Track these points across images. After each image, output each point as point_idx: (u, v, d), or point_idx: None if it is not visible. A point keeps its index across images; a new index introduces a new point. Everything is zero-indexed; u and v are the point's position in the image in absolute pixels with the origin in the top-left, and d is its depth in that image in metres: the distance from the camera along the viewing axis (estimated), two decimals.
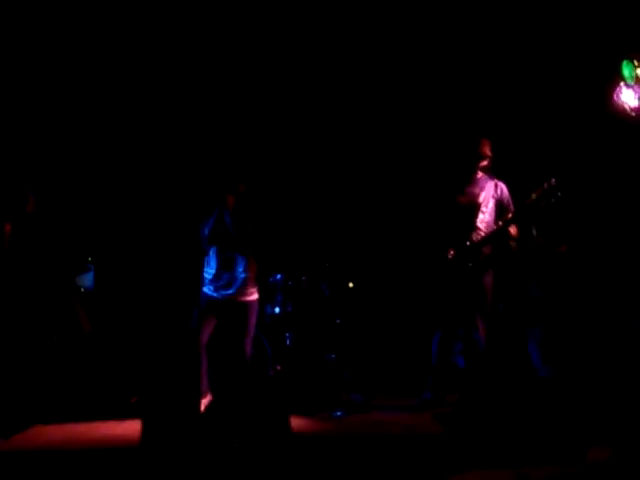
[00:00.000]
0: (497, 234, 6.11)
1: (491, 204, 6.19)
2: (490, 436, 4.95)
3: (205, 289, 6.31)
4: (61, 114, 8.11)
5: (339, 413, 6.25)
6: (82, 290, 6.96)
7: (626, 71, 6.18)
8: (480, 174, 6.27)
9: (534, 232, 6.89)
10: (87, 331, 6.57)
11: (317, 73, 8.22)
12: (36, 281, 6.41)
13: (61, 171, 7.91)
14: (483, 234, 6.12)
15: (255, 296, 6.39)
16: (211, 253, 6.33)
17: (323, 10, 7.73)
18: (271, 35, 7.91)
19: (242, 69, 8.15)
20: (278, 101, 8.31)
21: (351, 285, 7.78)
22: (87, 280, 7.41)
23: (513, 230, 6.09)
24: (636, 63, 6.15)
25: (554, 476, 4.41)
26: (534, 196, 5.90)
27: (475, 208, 6.17)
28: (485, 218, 6.17)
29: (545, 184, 5.89)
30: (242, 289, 6.28)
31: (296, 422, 5.18)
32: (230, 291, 6.27)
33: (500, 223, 6.07)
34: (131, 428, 5.39)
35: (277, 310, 7.23)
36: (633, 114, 6.20)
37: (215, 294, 6.28)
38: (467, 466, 4.56)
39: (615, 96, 6.23)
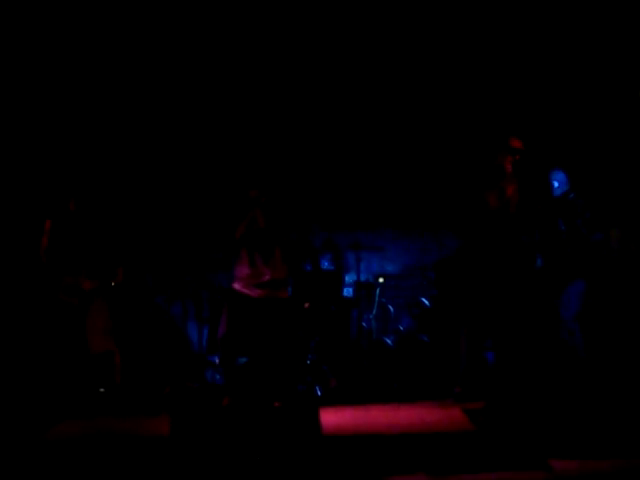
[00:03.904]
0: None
1: (517, 199, 6.16)
2: (521, 432, 4.93)
3: (236, 286, 6.33)
4: (108, 116, 8.22)
5: None
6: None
7: None
8: (510, 169, 6.23)
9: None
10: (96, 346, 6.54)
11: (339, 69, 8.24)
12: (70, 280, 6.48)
13: (107, 172, 7.99)
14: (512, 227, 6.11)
15: (285, 295, 6.42)
16: (244, 253, 6.36)
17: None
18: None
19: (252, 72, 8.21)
20: (295, 101, 8.33)
21: (381, 280, 7.76)
22: None
23: None
24: None
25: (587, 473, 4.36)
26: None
27: (505, 203, 6.14)
28: (513, 213, 6.13)
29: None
30: (274, 287, 6.32)
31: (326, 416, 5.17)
32: (262, 289, 6.30)
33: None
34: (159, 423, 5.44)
35: None
36: None
37: (247, 291, 6.31)
38: (497, 463, 4.53)
39: None
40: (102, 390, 6.42)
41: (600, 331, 6.71)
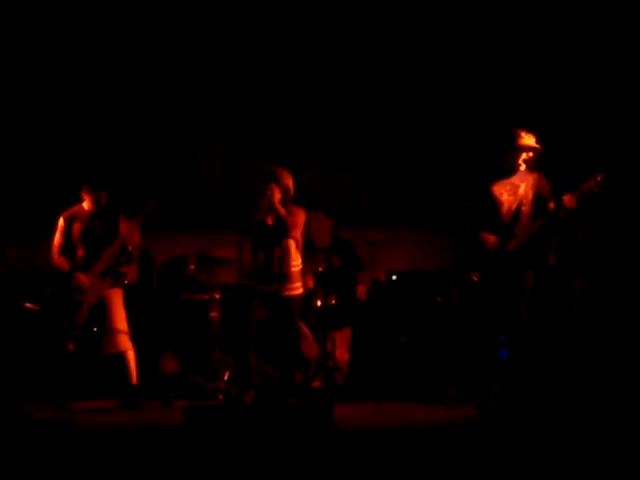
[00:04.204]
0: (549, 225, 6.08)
1: (530, 196, 6.13)
2: (532, 429, 4.93)
3: (247, 280, 6.34)
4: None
5: None
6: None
7: None
8: (523, 166, 6.21)
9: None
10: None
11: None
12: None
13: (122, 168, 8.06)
14: (525, 226, 6.09)
15: (300, 291, 6.42)
16: (256, 246, 6.35)
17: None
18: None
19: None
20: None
21: (394, 277, 7.76)
22: None
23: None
24: None
25: None
26: (584, 189, 5.87)
27: (517, 200, 6.12)
28: (525, 211, 6.12)
29: (592, 179, 5.86)
30: (286, 283, 6.32)
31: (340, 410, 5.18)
32: (275, 284, 6.31)
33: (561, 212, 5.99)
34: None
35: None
36: None
37: (259, 286, 6.31)
38: (510, 460, 4.54)
39: None
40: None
41: (600, 329, 6.72)
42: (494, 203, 6.15)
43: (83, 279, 6.44)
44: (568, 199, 5.90)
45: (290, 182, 6.30)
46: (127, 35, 8.09)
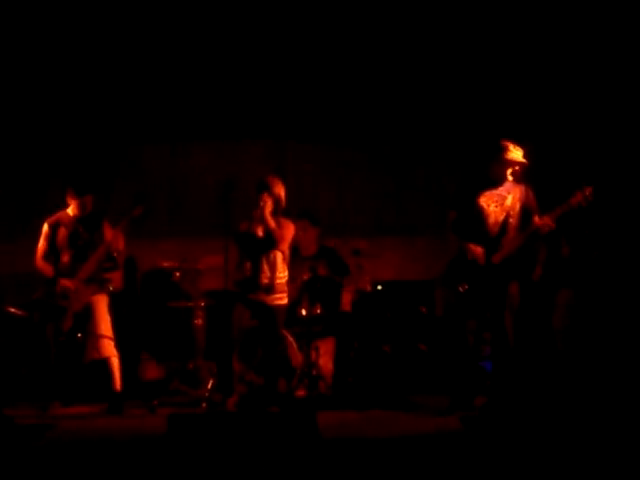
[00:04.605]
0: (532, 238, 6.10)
1: (517, 208, 6.14)
2: (516, 441, 4.95)
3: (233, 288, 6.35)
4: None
5: None
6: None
7: None
8: (510, 178, 6.22)
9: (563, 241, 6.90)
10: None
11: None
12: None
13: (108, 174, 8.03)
14: (512, 238, 6.10)
15: (284, 301, 6.43)
16: (243, 255, 6.38)
17: None
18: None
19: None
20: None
21: (379, 287, 7.77)
22: None
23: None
24: None
25: None
26: (572, 203, 5.90)
27: (503, 211, 6.14)
28: (512, 222, 6.13)
29: (580, 194, 5.89)
30: (272, 294, 6.34)
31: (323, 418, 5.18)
32: (260, 294, 6.31)
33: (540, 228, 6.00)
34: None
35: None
36: None
37: (244, 294, 6.32)
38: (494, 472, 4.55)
39: None
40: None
41: (589, 340, 6.75)
42: (480, 214, 6.15)
43: (68, 284, 6.41)
44: (543, 223, 5.97)
45: (282, 192, 6.37)
46: (113, 40, 8.04)
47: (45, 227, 6.58)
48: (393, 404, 6.60)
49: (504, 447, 4.87)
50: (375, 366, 7.22)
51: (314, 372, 6.93)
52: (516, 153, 6.15)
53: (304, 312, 7.16)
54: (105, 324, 6.49)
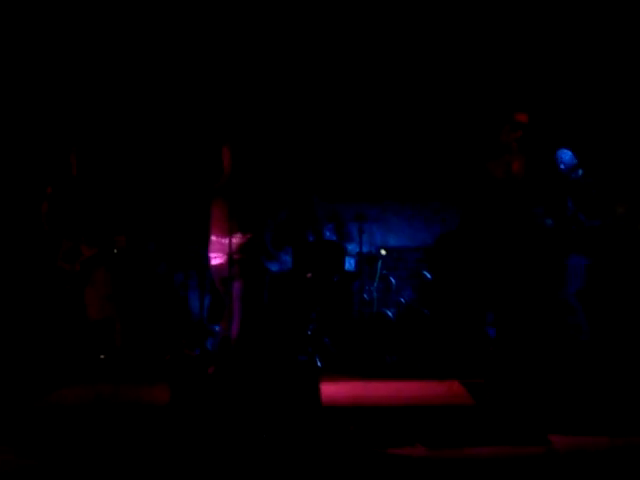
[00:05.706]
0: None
1: (525, 174, 6.09)
2: (520, 408, 4.94)
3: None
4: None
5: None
6: None
7: None
8: (515, 144, 6.17)
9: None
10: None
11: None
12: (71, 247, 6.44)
13: (109, 136, 7.93)
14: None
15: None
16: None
17: None
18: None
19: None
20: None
21: (384, 252, 7.74)
22: None
23: None
24: None
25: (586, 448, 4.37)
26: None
27: (511, 177, 6.09)
28: (518, 186, 6.08)
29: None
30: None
31: (326, 388, 5.17)
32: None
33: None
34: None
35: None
36: None
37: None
38: (497, 438, 4.54)
39: None
40: (102, 357, 6.41)
41: (603, 309, 6.70)
42: (488, 179, 6.12)
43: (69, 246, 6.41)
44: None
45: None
46: (103, 54, 7.97)
47: (48, 189, 6.54)
48: (398, 371, 6.59)
49: (509, 413, 4.87)
50: (379, 331, 7.19)
51: (318, 337, 6.92)
52: (521, 118, 6.13)
53: (309, 276, 7.16)
54: (106, 285, 6.50)
